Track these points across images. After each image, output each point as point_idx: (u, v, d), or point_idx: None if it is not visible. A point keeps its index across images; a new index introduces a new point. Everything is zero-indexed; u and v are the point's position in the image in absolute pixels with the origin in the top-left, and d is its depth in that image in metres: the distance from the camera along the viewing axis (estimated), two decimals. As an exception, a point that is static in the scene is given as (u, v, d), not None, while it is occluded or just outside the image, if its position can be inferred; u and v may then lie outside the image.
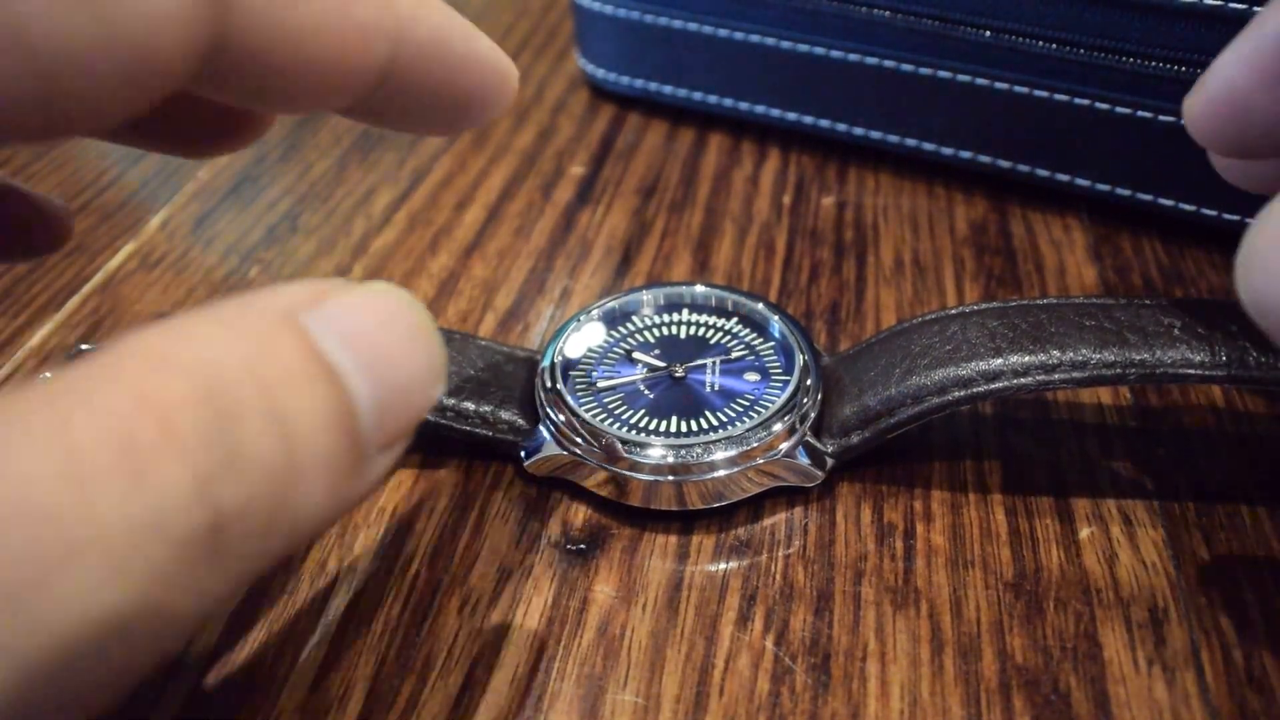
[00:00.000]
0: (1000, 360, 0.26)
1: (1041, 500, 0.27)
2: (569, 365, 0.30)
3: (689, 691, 0.23)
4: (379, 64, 0.20)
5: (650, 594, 0.25)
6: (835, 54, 0.40)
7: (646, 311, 0.32)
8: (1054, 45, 0.35)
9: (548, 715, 0.23)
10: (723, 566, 0.26)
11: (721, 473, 0.27)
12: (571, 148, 0.44)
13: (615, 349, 0.31)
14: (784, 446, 0.27)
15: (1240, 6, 0.31)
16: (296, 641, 0.25)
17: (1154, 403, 0.30)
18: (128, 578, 0.13)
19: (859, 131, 0.42)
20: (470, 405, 0.29)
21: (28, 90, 0.15)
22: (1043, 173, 0.38)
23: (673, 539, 0.27)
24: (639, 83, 0.46)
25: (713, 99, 0.44)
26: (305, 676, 0.24)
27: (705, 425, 0.28)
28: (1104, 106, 0.35)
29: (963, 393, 0.26)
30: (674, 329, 0.31)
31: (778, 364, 0.30)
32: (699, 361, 0.30)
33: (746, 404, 0.28)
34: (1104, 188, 0.37)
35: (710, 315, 0.32)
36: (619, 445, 0.27)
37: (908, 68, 0.39)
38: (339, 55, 0.19)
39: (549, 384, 0.29)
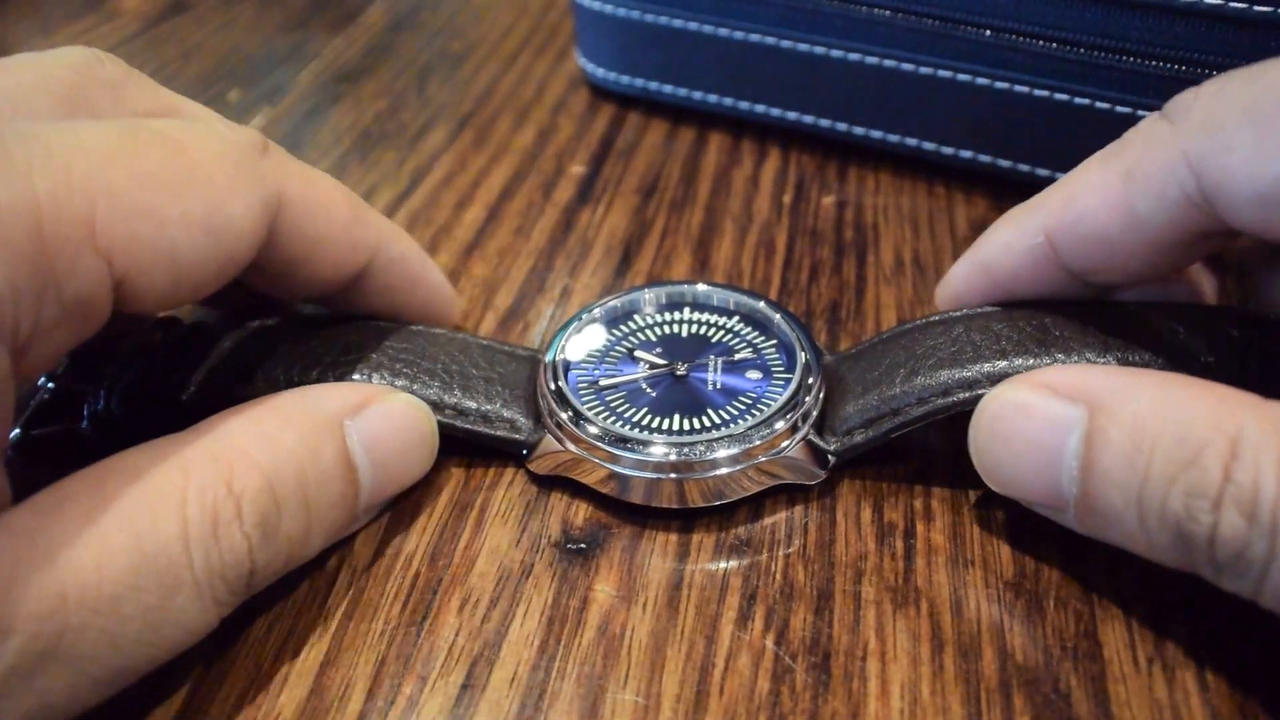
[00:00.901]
0: (1005, 363, 0.26)
1: (1042, 500, 0.27)
2: (571, 364, 0.30)
3: (689, 691, 0.23)
4: (359, 265, 0.28)
5: (650, 593, 0.25)
6: (835, 53, 0.40)
7: (648, 310, 0.32)
8: (1054, 45, 0.35)
9: (548, 715, 0.23)
10: (723, 566, 0.26)
11: (723, 471, 0.27)
12: (571, 147, 0.44)
13: (617, 347, 0.31)
14: (786, 445, 0.27)
15: (1240, 6, 0.31)
16: (297, 641, 0.25)
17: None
18: (203, 604, 0.22)
19: (859, 131, 0.42)
20: (472, 404, 0.29)
21: (162, 287, 0.22)
22: (1043, 172, 0.38)
23: (673, 538, 0.27)
24: (639, 82, 0.46)
25: (713, 98, 0.44)
26: (305, 676, 0.24)
27: (707, 423, 0.28)
28: (1104, 106, 0.35)
29: (967, 394, 0.26)
30: (676, 328, 0.32)
31: (780, 362, 0.30)
32: (701, 360, 0.30)
33: (748, 402, 0.28)
34: (1104, 187, 0.37)
35: (712, 314, 0.32)
36: (622, 443, 0.27)
37: (908, 67, 0.39)
38: (336, 258, 0.28)
39: (551, 382, 0.29)
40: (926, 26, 0.37)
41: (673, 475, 0.27)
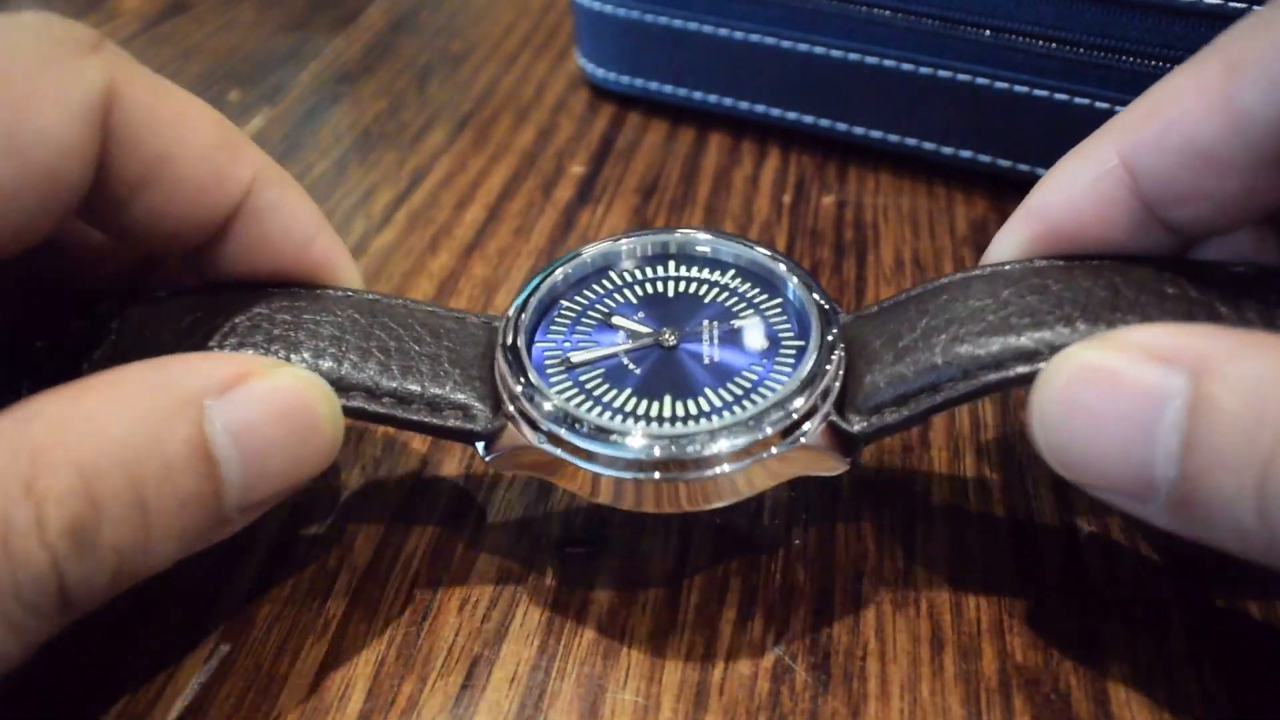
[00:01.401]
0: (1068, 330, 0.22)
1: (1042, 499, 0.27)
2: (535, 334, 0.26)
3: (689, 691, 0.23)
4: (227, 204, 0.24)
5: (650, 593, 0.25)
6: (835, 53, 0.40)
7: (627, 265, 0.28)
8: (1054, 44, 0.35)
9: (547, 715, 0.23)
10: (723, 566, 0.26)
11: (727, 468, 0.22)
12: (571, 147, 0.44)
13: (591, 312, 0.26)
14: (804, 430, 0.23)
15: (1241, 5, 0.31)
16: (296, 641, 0.25)
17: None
18: None
19: (859, 131, 0.42)
20: (415, 387, 0.24)
21: None
22: (1043, 172, 0.38)
23: (673, 538, 0.27)
24: (639, 82, 0.46)
25: (713, 98, 0.44)
26: (305, 676, 0.24)
27: (705, 407, 0.24)
28: (1104, 106, 0.35)
29: (1026, 369, 0.22)
30: (660, 286, 0.27)
31: (788, 327, 0.25)
32: (693, 327, 0.26)
33: (753, 379, 0.24)
34: (1104, 187, 0.37)
35: (703, 268, 0.27)
36: (601, 436, 0.23)
37: (908, 67, 0.39)
38: (195, 189, 0.23)
39: (510, 358, 0.24)
40: (926, 26, 0.37)
41: (662, 475, 0.22)
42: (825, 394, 0.23)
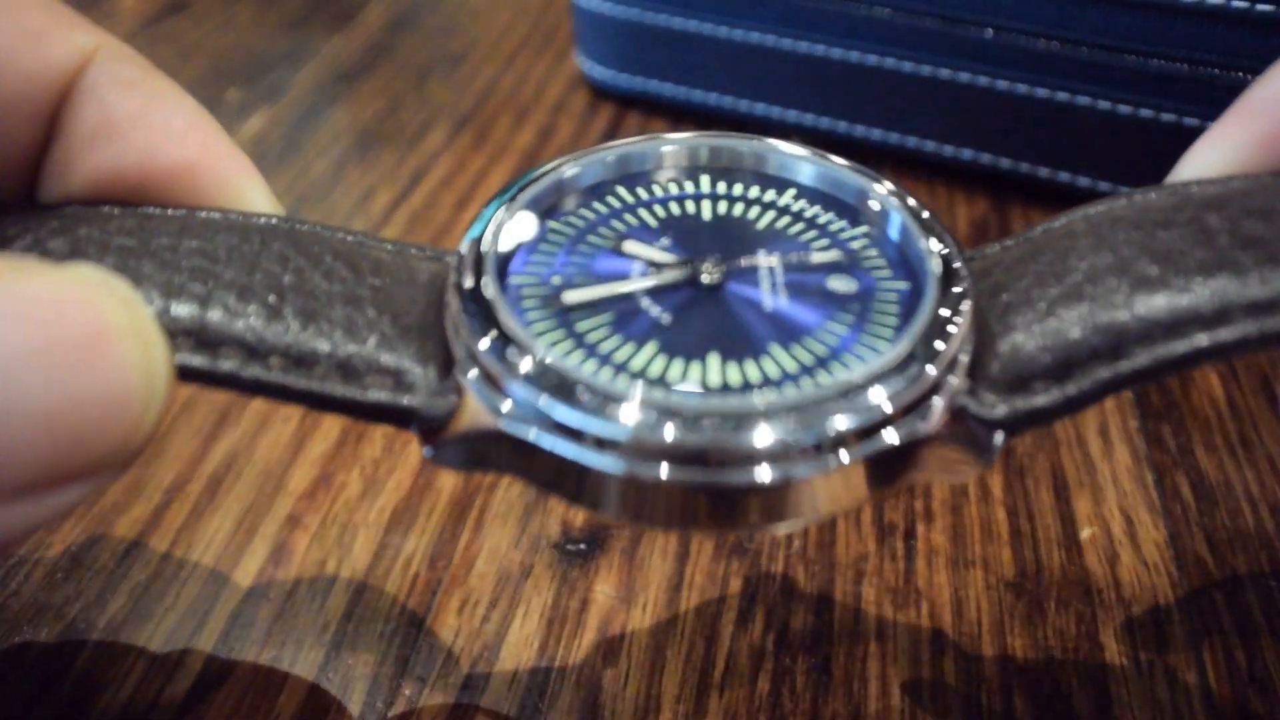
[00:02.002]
0: None
1: (1042, 500, 0.27)
2: (510, 261, 0.18)
3: (689, 692, 0.23)
4: (51, 82, 0.17)
5: (650, 594, 0.25)
6: (835, 53, 0.40)
7: (657, 173, 0.20)
8: (1055, 44, 0.35)
9: (547, 715, 0.23)
10: (723, 566, 0.26)
11: (791, 471, 0.15)
12: (571, 147, 0.44)
13: (593, 234, 0.19)
14: (923, 416, 0.16)
15: (1242, 5, 0.31)
16: (295, 643, 0.24)
17: (1156, 402, 0.30)
18: None
19: (859, 131, 0.42)
20: (323, 345, 0.17)
21: None
22: (1044, 172, 0.38)
23: (673, 539, 0.27)
24: (639, 82, 0.46)
25: (713, 98, 0.44)
26: (304, 678, 0.24)
27: (765, 375, 0.16)
28: (1105, 106, 0.35)
29: (1258, 325, 0.15)
30: (693, 206, 0.20)
31: (884, 265, 0.18)
32: (743, 259, 0.18)
33: (838, 339, 0.17)
34: (1105, 187, 0.37)
35: (761, 185, 0.20)
36: (605, 407, 0.15)
37: (908, 67, 0.39)
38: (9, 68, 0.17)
39: (472, 294, 0.17)
40: (926, 26, 0.37)
41: (700, 475, 0.15)
42: (951, 364, 0.16)
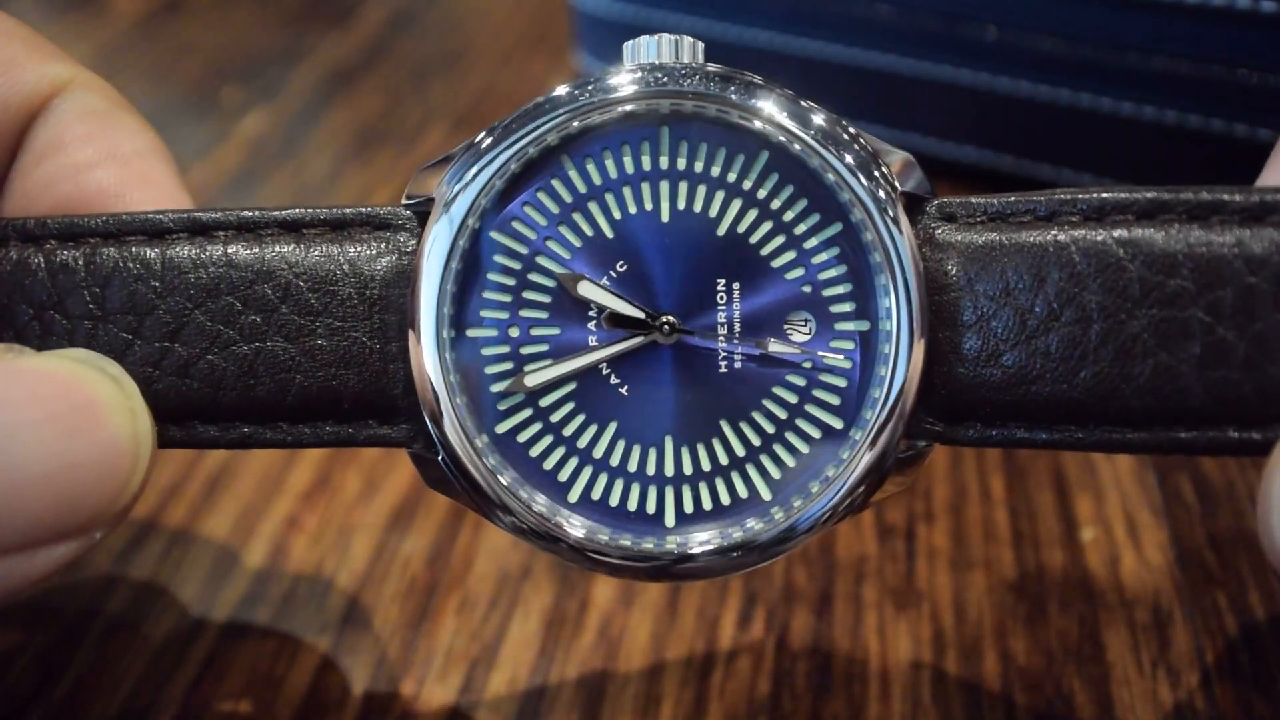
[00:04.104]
0: None
1: (1044, 502, 0.27)
2: (463, 313, 0.18)
3: (689, 694, 0.23)
4: (21, 111, 0.19)
5: (650, 595, 0.25)
6: (835, 53, 0.40)
7: (593, 155, 0.18)
8: (1056, 44, 0.35)
9: (548, 715, 0.23)
10: (723, 568, 0.26)
11: (773, 555, 0.17)
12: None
13: (539, 258, 0.18)
14: (867, 499, 0.18)
15: (1246, 6, 0.31)
16: (294, 644, 0.24)
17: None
18: None
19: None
20: (313, 392, 0.18)
21: None
22: (1045, 171, 0.38)
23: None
24: (637, 81, 0.45)
25: (712, 97, 0.44)
26: (303, 679, 0.24)
27: (720, 459, 0.17)
28: (1106, 105, 0.35)
29: (1240, 434, 0.16)
30: (650, 193, 0.18)
31: (846, 285, 0.18)
32: (701, 284, 0.18)
33: (790, 405, 0.17)
34: (1105, 187, 0.37)
35: (728, 150, 0.18)
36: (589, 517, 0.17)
37: (908, 67, 0.38)
38: None
39: (435, 378, 0.17)
40: (927, 26, 0.37)
41: (652, 571, 0.17)
42: (898, 402, 0.17)
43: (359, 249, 0.18)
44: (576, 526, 0.17)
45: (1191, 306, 0.16)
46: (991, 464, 0.28)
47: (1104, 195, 0.17)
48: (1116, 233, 0.16)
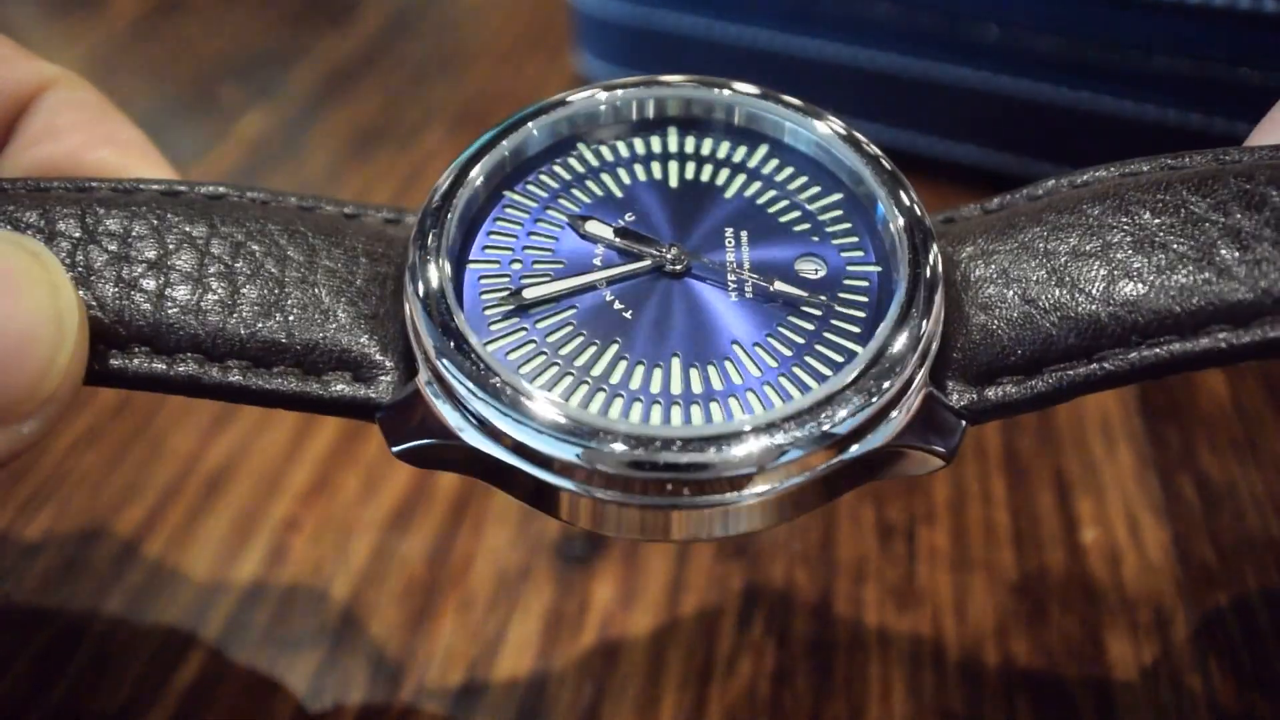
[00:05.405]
0: None
1: (1045, 502, 0.27)
2: (469, 242, 0.18)
3: (689, 693, 0.23)
4: (7, 109, 0.19)
5: (650, 595, 0.25)
6: (835, 53, 0.40)
7: (604, 135, 0.19)
8: (1056, 44, 0.35)
9: (547, 716, 0.23)
10: (723, 566, 0.26)
11: (763, 490, 0.15)
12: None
13: (554, 208, 0.18)
14: (894, 419, 0.16)
15: (1246, 5, 0.31)
16: (293, 644, 0.24)
17: (1160, 402, 0.30)
18: None
19: (860, 131, 0.41)
20: (279, 335, 0.16)
21: None
22: (1046, 171, 0.38)
23: (673, 540, 0.27)
24: (637, 81, 0.45)
25: (712, 97, 0.44)
26: (302, 679, 0.23)
27: (733, 378, 0.16)
28: (1106, 106, 0.35)
29: (1246, 338, 0.14)
30: (658, 169, 0.19)
31: (854, 238, 0.18)
32: (708, 237, 0.18)
33: (807, 332, 0.17)
34: (1105, 187, 0.37)
35: (723, 140, 0.19)
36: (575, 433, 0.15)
37: (909, 67, 0.38)
38: None
39: (426, 301, 0.16)
40: (928, 25, 0.37)
41: (664, 500, 0.15)
42: (922, 355, 0.16)
43: (373, 215, 0.18)
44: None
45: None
46: (992, 464, 0.28)
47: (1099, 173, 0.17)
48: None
